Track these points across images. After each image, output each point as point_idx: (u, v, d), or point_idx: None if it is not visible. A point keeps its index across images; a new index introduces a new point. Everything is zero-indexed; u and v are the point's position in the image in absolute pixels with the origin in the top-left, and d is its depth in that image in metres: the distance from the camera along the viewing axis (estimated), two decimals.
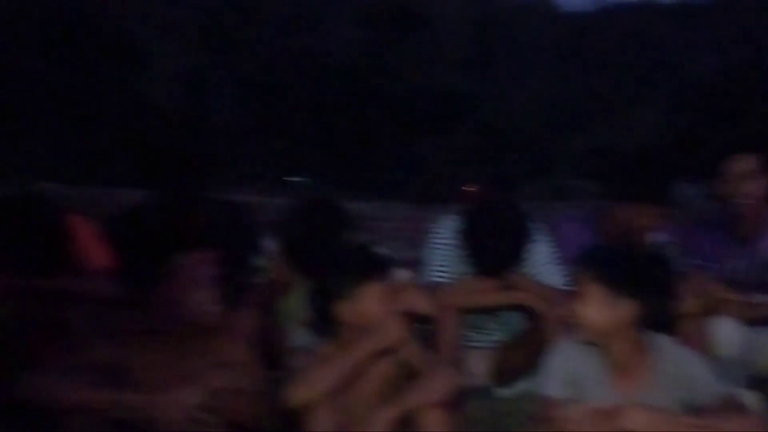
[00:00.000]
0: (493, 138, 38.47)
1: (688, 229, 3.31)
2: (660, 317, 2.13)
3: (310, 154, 31.00)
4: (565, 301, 2.84)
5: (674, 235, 3.21)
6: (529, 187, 32.52)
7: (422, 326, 2.87)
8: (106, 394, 2.15)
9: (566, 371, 2.16)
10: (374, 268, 2.42)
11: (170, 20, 32.39)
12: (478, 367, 3.18)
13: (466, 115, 37.17)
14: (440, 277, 3.03)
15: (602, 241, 3.15)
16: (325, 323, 2.41)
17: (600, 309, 2.08)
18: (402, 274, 2.95)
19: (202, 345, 2.35)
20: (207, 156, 3.19)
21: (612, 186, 3.17)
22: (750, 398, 2.96)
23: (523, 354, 3.04)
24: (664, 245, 3.16)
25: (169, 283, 2.27)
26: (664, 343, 2.18)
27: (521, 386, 3.18)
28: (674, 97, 49.32)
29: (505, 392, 3.20)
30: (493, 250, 2.87)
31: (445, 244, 3.09)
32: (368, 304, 2.36)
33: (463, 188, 30.32)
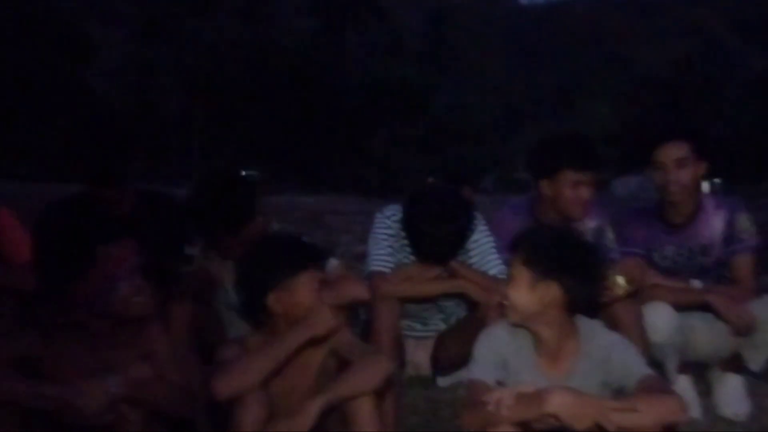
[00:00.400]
0: (448, 131, 38.65)
1: (622, 216, 3.34)
2: (587, 301, 2.14)
3: (261, 147, 30.70)
4: (503, 290, 2.88)
5: (608, 221, 3.24)
6: (483, 180, 32.77)
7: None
8: (26, 385, 2.10)
9: (496, 354, 2.16)
10: (307, 258, 2.39)
11: (115, 10, 31.75)
12: (419, 356, 3.18)
13: (421, 108, 37.22)
14: (383, 266, 3.00)
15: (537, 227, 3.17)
16: (254, 313, 2.37)
17: (525, 291, 2.09)
18: (334, 264, 2.91)
19: (128, 336, 2.30)
20: (137, 146, 3.11)
21: (529, 164, 3.20)
22: (683, 382, 3.03)
23: (462, 343, 3.03)
24: (598, 230, 3.18)
25: (90, 275, 2.21)
26: (592, 327, 2.19)
27: (461, 375, 3.19)
28: (626, 90, 50.21)
29: (445, 381, 3.20)
30: (433, 237, 2.86)
31: (388, 234, 3.06)
32: (301, 294, 2.32)
33: (428, 180, 30.36)
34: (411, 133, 35.92)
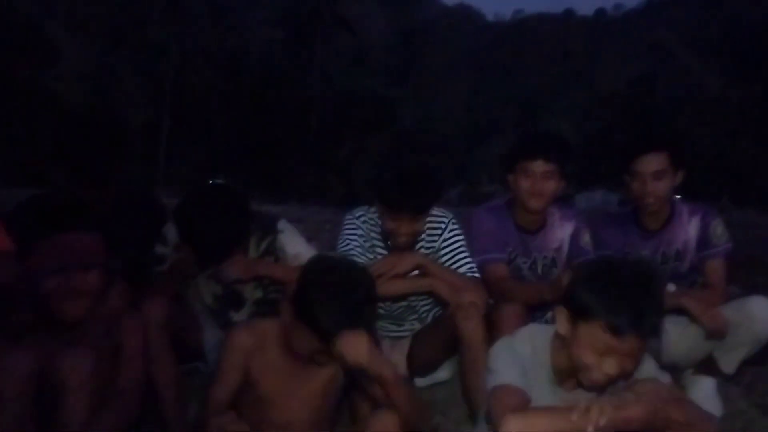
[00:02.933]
0: (413, 143, 38.87)
1: (598, 221, 3.37)
2: None
3: (227, 156, 30.49)
4: (471, 288, 2.87)
5: (585, 225, 3.26)
6: (448, 192, 32.96)
7: None
8: None
9: (517, 362, 2.04)
10: None
11: (80, 16, 31.32)
12: (395, 356, 3.15)
13: (387, 120, 37.38)
14: None
15: (516, 229, 3.19)
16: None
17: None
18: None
19: (99, 334, 2.24)
20: (121, 148, 3.07)
21: (501, 162, 3.23)
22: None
23: (436, 342, 3.03)
24: (575, 233, 3.21)
25: (25, 268, 2.14)
26: None
27: (438, 376, 3.18)
28: (588, 106, 51.08)
29: (422, 381, 3.18)
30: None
31: (357, 234, 3.04)
32: None
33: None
34: (376, 144, 36.03)
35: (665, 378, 2.19)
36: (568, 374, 2.06)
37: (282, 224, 3.02)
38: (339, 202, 24.43)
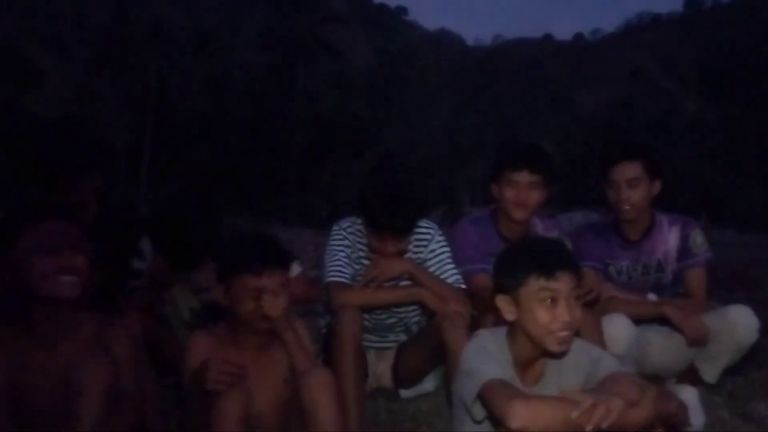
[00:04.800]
0: (395, 165, 38.95)
1: (580, 231, 3.42)
2: None
3: (210, 178, 30.42)
4: (457, 298, 2.89)
5: (566, 235, 3.31)
6: (431, 214, 33.03)
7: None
8: None
9: (492, 359, 2.11)
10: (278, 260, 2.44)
11: (63, 39, 31.26)
12: (381, 367, 3.16)
13: (370, 142, 37.49)
14: (340, 276, 2.98)
15: (499, 240, 3.22)
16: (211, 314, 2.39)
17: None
18: (296, 268, 2.93)
19: (88, 334, 2.24)
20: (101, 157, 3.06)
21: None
22: None
23: (421, 353, 3.04)
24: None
25: (12, 254, 2.13)
26: None
27: (424, 387, 3.18)
28: (568, 129, 51.59)
29: (407, 393, 3.18)
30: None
31: (344, 245, 3.05)
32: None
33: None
34: (359, 166, 36.11)
35: (629, 370, 2.26)
36: (531, 362, 2.15)
37: None
38: (322, 224, 24.40)
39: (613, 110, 50.37)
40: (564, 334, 2.06)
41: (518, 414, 1.86)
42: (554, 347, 2.08)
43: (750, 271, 6.97)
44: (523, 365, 2.17)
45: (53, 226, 2.16)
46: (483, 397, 2.01)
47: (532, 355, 2.15)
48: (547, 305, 2.06)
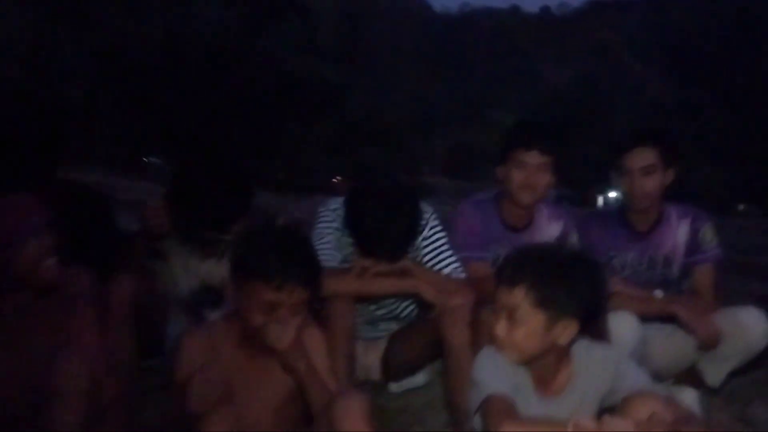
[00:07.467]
0: (359, 132, 38.55)
1: (585, 221, 3.22)
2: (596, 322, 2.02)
3: (167, 136, 29.66)
4: (458, 290, 2.68)
5: (573, 226, 3.12)
6: None
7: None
8: None
9: (503, 374, 1.96)
10: None
11: None
12: (370, 359, 2.95)
13: (333, 107, 36.94)
14: (329, 260, 2.73)
15: (502, 226, 3.01)
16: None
17: (538, 335, 1.91)
18: None
19: (55, 320, 2.00)
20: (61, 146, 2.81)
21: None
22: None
23: (414, 345, 2.85)
24: (562, 236, 3.06)
25: None
26: (583, 345, 2.05)
27: (414, 381, 2.99)
28: (533, 102, 51.73)
29: (397, 387, 2.99)
30: (380, 234, 2.61)
31: (334, 228, 2.81)
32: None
33: (333, 180, 30.14)
34: (322, 132, 35.58)
35: (660, 390, 2.11)
36: (549, 371, 2.01)
37: None
38: (281, 188, 23.99)
39: (577, 86, 50.64)
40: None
41: None
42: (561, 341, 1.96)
43: None
44: (539, 373, 2.01)
45: (18, 202, 1.93)
46: (482, 411, 1.92)
47: (546, 362, 2.00)
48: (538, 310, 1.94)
